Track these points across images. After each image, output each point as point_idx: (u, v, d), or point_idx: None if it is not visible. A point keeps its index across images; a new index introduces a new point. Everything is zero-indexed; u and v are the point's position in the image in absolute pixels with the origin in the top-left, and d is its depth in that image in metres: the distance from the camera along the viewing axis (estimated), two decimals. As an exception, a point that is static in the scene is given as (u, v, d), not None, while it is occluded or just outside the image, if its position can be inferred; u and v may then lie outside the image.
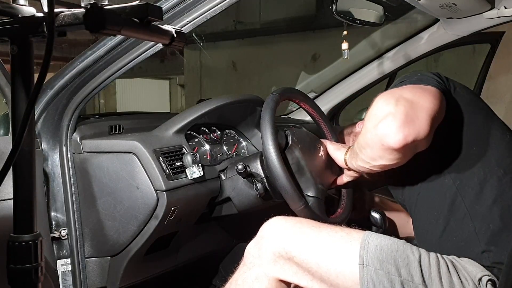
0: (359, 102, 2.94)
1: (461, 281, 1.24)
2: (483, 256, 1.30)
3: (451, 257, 1.31)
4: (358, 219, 1.69)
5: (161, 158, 1.57)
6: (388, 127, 1.24)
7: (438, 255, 1.30)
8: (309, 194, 1.62)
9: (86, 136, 1.63)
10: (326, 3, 6.50)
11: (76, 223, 1.58)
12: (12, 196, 0.84)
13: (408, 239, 1.70)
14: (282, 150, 1.61)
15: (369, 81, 2.65)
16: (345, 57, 2.17)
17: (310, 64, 6.76)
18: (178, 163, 1.62)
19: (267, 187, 1.66)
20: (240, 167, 1.64)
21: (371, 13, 2.04)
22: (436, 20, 2.29)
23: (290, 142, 1.67)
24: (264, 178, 1.66)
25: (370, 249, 1.26)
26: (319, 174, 1.69)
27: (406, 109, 1.25)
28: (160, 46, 1.52)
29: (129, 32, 0.78)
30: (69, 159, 1.59)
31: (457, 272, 1.26)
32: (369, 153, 1.36)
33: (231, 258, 2.12)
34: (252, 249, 1.41)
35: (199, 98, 1.97)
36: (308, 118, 2.17)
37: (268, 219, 1.45)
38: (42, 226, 1.53)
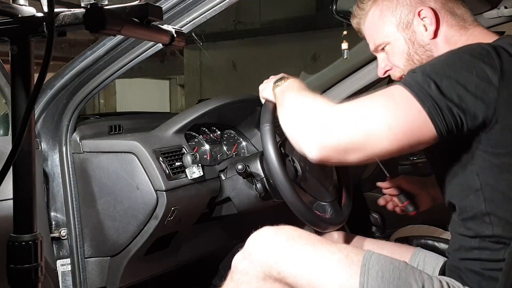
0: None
1: None
2: None
3: (457, 284, 1.21)
4: (358, 219, 1.69)
5: (161, 158, 1.57)
6: (307, 144, 1.13)
7: (443, 282, 1.19)
8: (327, 201, 1.65)
9: (86, 136, 1.63)
10: (326, 3, 6.50)
11: (76, 223, 1.58)
12: (12, 196, 0.84)
13: (407, 239, 1.70)
14: (293, 179, 1.60)
15: (369, 81, 2.64)
16: (345, 57, 2.17)
17: (310, 64, 6.76)
18: (178, 163, 1.62)
19: (267, 187, 1.66)
20: (240, 167, 1.64)
21: (371, 13, 2.04)
22: (436, 20, 2.29)
23: (300, 171, 1.65)
24: (264, 178, 1.66)
25: (371, 275, 1.17)
26: (327, 178, 1.71)
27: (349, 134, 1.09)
28: (160, 46, 1.52)
29: (129, 32, 0.78)
30: (69, 159, 1.59)
31: None
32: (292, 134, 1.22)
33: (231, 258, 2.12)
34: (239, 263, 1.33)
35: (199, 98, 1.97)
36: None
37: (262, 223, 1.38)
38: (42, 226, 1.53)
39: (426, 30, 1.29)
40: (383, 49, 1.39)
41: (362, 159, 1.10)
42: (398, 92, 1.09)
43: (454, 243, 1.27)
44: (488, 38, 1.21)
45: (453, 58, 1.10)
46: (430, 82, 1.06)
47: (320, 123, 1.12)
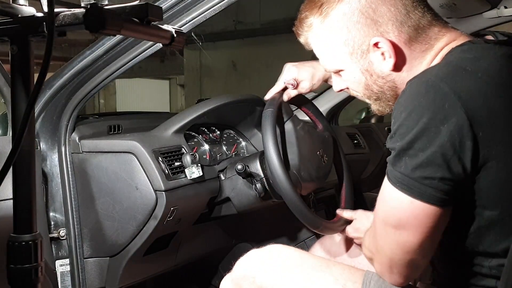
0: (359, 102, 2.93)
1: None
2: None
3: None
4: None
5: (160, 158, 1.57)
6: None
7: None
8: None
9: (85, 136, 1.63)
10: (326, 3, 6.48)
11: (75, 223, 1.58)
12: (11, 196, 0.84)
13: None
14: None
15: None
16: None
17: (310, 64, 6.74)
18: (177, 163, 1.61)
19: (267, 187, 1.66)
20: (239, 167, 1.64)
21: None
22: (436, 20, 2.29)
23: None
24: (264, 178, 1.66)
25: None
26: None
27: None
28: (159, 45, 1.52)
29: (129, 32, 0.78)
30: (68, 159, 1.59)
31: None
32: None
33: (230, 258, 2.12)
34: None
35: (198, 98, 1.97)
36: (307, 118, 2.17)
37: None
38: (41, 226, 1.53)
39: (384, 59, 1.12)
40: (337, 72, 1.24)
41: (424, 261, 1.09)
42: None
43: (441, 267, 1.23)
44: (455, 43, 1.11)
45: (424, 130, 0.97)
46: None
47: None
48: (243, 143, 2.01)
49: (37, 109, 1.57)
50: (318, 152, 1.70)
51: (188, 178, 1.61)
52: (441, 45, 1.12)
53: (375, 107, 1.26)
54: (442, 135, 0.95)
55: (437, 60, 1.11)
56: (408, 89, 1.03)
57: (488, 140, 0.97)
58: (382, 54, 1.12)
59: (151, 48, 1.55)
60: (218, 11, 1.51)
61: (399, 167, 1.00)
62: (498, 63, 1.04)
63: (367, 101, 1.26)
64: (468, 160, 0.97)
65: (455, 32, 1.15)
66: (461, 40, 1.12)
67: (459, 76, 1.00)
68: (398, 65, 1.13)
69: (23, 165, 0.83)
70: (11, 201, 0.84)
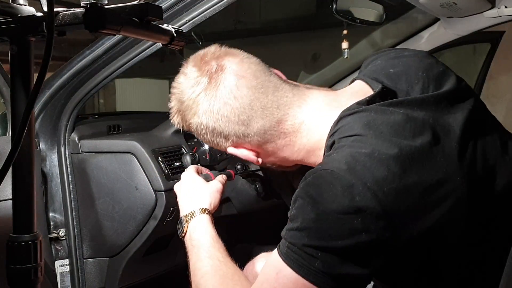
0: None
1: None
2: None
3: None
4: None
5: (160, 158, 1.57)
6: None
7: None
8: None
9: (84, 136, 1.63)
10: (326, 3, 6.50)
11: (75, 223, 1.58)
12: (11, 197, 0.83)
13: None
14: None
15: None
16: (345, 56, 2.16)
17: (310, 63, 6.75)
18: (177, 163, 1.61)
19: (267, 187, 1.66)
20: (239, 167, 1.63)
21: (371, 12, 2.03)
22: (437, 19, 2.29)
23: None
24: (264, 178, 1.66)
25: None
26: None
27: None
28: (159, 45, 1.52)
29: (128, 32, 0.78)
30: (67, 159, 1.59)
31: None
32: None
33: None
34: None
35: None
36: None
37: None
38: (40, 226, 1.52)
39: (249, 158, 1.15)
40: None
41: None
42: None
43: None
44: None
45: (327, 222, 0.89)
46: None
47: None
48: (243, 143, 2.01)
49: (36, 109, 1.56)
50: None
51: (188, 178, 1.60)
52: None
53: None
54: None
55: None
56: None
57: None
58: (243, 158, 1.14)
59: (150, 48, 1.55)
60: (218, 11, 1.51)
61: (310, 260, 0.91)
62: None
63: None
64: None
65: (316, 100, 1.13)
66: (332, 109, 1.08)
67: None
68: (268, 157, 1.15)
69: (23, 165, 0.83)
70: (11, 201, 0.83)
